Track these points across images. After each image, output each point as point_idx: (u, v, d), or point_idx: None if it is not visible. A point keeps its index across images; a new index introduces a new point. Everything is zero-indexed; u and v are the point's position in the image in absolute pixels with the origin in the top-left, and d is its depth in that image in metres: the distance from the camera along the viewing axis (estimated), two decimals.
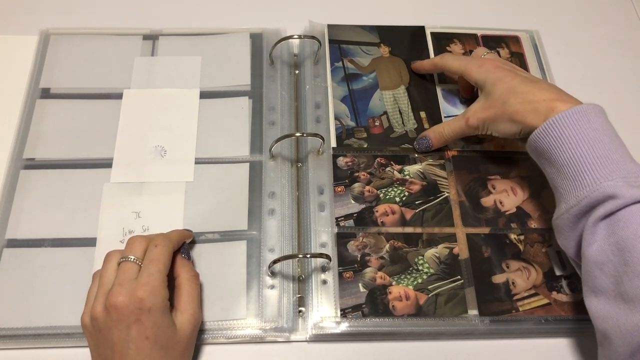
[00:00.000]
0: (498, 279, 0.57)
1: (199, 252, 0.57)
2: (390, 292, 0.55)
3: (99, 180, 0.60)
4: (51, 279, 0.55)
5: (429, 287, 0.56)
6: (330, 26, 0.71)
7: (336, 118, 0.65)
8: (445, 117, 0.66)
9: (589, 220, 0.47)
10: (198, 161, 0.62)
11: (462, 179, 0.62)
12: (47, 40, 0.69)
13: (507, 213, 0.61)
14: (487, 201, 0.61)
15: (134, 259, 0.49)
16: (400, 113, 0.66)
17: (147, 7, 0.74)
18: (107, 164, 0.61)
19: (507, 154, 0.64)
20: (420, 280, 0.56)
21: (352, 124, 0.65)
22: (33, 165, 0.61)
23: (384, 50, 0.70)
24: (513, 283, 0.56)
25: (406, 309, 0.54)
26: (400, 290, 0.55)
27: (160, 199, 0.59)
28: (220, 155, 0.62)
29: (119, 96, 0.65)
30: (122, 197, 0.59)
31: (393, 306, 0.55)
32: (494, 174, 0.63)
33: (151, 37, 0.70)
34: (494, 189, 0.62)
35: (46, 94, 0.65)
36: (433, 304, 0.55)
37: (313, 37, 0.67)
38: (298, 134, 0.61)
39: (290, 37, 0.67)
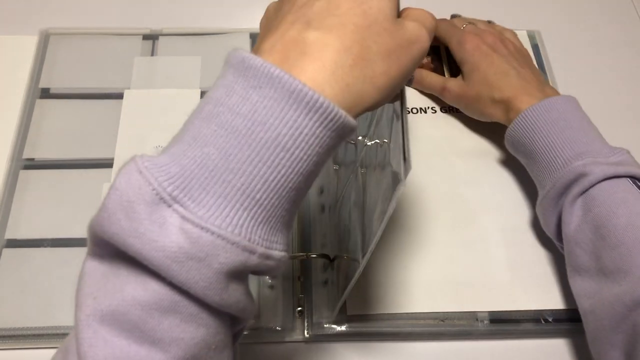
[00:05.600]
0: None
1: None
2: None
3: (99, 180, 0.60)
4: (51, 279, 0.54)
5: None
6: None
7: None
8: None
9: (566, 201, 0.50)
10: None
11: None
12: (47, 40, 0.69)
13: None
14: None
15: None
16: None
17: (147, 7, 0.74)
18: (107, 164, 0.61)
19: None
20: None
21: None
22: (33, 165, 0.61)
23: None
24: None
25: None
26: None
27: None
28: None
29: (119, 96, 0.65)
30: None
31: None
32: None
33: (151, 37, 0.70)
34: None
35: (46, 94, 0.65)
36: None
37: None
38: None
39: None
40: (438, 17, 0.39)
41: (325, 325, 0.53)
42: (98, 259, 0.31)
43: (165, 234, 0.28)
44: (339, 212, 0.57)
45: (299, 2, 0.33)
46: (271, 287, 0.55)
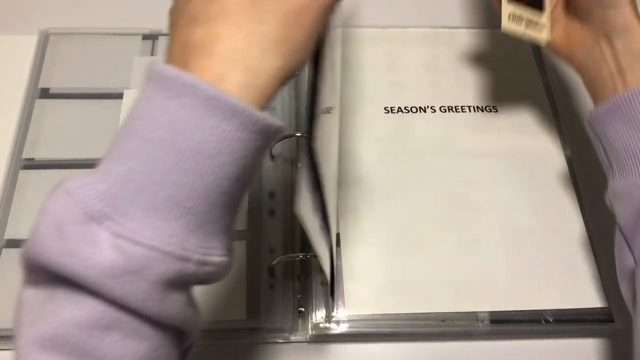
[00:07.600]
0: None
1: None
2: None
3: None
4: None
5: None
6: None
7: None
8: None
9: None
10: None
11: None
12: (47, 40, 0.68)
13: None
14: None
15: None
16: None
17: (147, 6, 0.73)
18: None
19: None
20: None
21: None
22: (32, 165, 0.61)
23: None
24: None
25: None
26: None
27: None
28: None
29: (119, 96, 0.65)
30: None
31: None
32: None
33: (151, 37, 0.70)
34: None
35: (45, 94, 0.65)
36: None
37: None
38: (298, 134, 0.61)
39: None
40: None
41: (325, 326, 0.53)
42: (34, 286, 0.31)
43: (97, 252, 0.28)
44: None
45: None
46: (271, 287, 0.55)
